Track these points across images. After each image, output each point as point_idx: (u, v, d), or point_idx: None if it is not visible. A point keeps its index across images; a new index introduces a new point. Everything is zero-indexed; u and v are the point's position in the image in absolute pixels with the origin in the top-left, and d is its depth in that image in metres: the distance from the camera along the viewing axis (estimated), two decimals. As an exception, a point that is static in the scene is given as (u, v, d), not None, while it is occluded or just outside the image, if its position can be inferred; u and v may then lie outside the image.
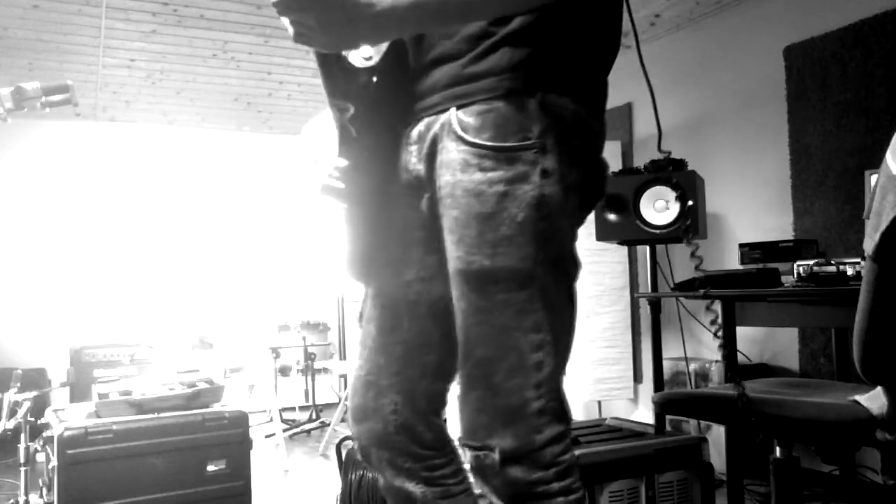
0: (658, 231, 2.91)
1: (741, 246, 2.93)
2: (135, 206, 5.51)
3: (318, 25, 0.95)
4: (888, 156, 0.97)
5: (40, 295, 5.15)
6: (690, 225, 2.84)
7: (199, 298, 5.58)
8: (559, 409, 1.04)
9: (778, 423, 1.49)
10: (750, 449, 2.45)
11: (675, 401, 1.80)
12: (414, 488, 1.20)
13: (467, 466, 1.10)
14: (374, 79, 1.12)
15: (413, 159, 1.15)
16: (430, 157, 1.11)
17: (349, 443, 2.31)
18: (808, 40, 3.27)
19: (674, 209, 2.89)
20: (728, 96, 3.69)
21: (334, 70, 1.08)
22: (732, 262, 3.43)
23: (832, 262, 2.09)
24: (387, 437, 1.20)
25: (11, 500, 2.53)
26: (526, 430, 1.01)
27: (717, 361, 3.41)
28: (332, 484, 3.32)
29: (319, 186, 1.14)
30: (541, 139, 1.02)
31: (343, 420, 4.45)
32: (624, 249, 3.97)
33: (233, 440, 2.55)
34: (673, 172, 2.90)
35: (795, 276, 2.18)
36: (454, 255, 1.05)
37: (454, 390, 1.15)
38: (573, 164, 1.05)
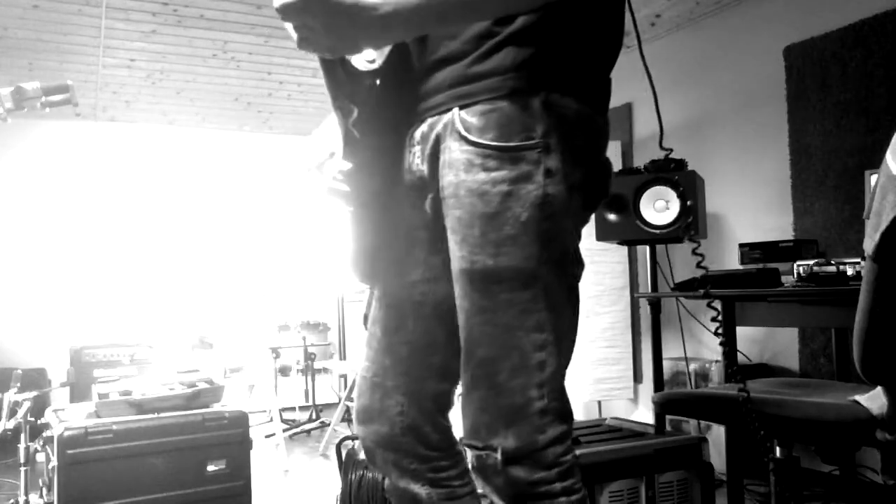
0: (658, 231, 2.91)
1: (741, 246, 2.93)
2: (135, 207, 5.51)
3: (322, 29, 0.95)
4: (888, 156, 0.97)
5: (40, 295, 5.16)
6: (691, 225, 2.84)
7: (199, 298, 5.58)
8: (561, 409, 1.04)
9: (778, 423, 1.49)
10: (750, 449, 2.44)
11: (675, 401, 1.80)
12: (419, 489, 1.20)
13: (470, 466, 1.10)
14: (378, 81, 1.12)
15: (416, 160, 1.15)
16: (434, 157, 1.11)
17: (349, 443, 2.31)
18: (808, 40, 3.27)
19: (674, 209, 2.89)
20: (728, 96, 3.69)
21: (338, 73, 1.08)
22: (732, 262, 3.43)
23: (832, 262, 2.09)
24: (393, 439, 1.20)
25: (11, 500, 2.53)
26: (529, 430, 1.01)
27: (717, 361, 3.41)
28: (332, 484, 3.32)
29: (324, 189, 1.15)
30: (544, 139, 1.02)
31: (343, 420, 4.45)
32: (624, 249, 3.97)
33: (233, 440, 2.55)
34: (673, 172, 2.90)
35: (795, 276, 2.17)
36: (457, 254, 1.05)
37: (460, 391, 1.15)
38: (577, 164, 1.05)
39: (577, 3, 1.05)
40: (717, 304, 2.40)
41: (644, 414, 4.11)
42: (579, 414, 4.37)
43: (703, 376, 3.40)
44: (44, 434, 2.51)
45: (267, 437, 4.53)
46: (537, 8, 1.02)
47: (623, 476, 2.04)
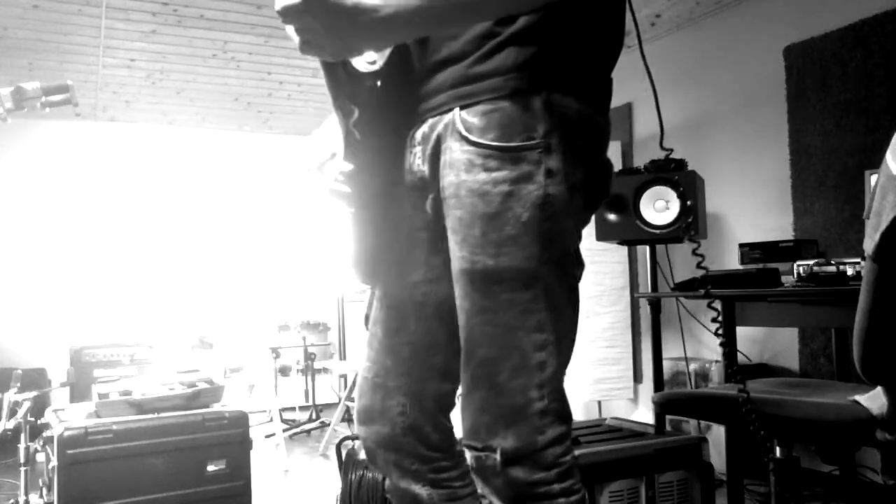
0: (658, 231, 2.91)
1: (741, 246, 2.93)
2: (135, 207, 5.51)
3: (323, 31, 0.95)
4: (888, 156, 0.97)
5: (40, 295, 5.16)
6: (691, 225, 2.84)
7: (199, 298, 5.58)
8: (561, 409, 1.04)
9: (778, 423, 1.49)
10: (750, 449, 2.45)
11: (675, 401, 1.80)
12: (420, 490, 1.20)
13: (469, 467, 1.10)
14: (379, 83, 1.12)
15: (417, 160, 1.15)
16: (434, 157, 1.11)
17: (349, 443, 2.31)
18: (808, 40, 3.27)
19: (674, 209, 2.89)
20: (728, 96, 3.69)
21: (339, 74, 1.08)
22: (732, 262, 3.43)
23: (832, 262, 2.09)
24: (394, 439, 1.20)
25: (11, 500, 2.53)
26: (528, 430, 1.01)
27: (717, 361, 3.41)
28: (332, 484, 3.32)
29: (326, 190, 1.14)
30: (545, 139, 1.02)
31: (343, 420, 4.45)
32: (624, 249, 3.97)
33: (233, 440, 2.55)
34: (673, 172, 2.90)
35: (795, 276, 2.17)
36: (458, 254, 1.05)
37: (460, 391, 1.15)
38: (578, 164, 1.05)
39: (577, 4, 1.05)
40: (718, 305, 2.40)
41: (644, 414, 4.11)
42: (579, 414, 4.37)
43: (703, 376, 3.40)
44: (44, 434, 2.51)
45: (267, 437, 4.53)
46: (538, 8, 1.02)
47: (623, 476, 2.04)
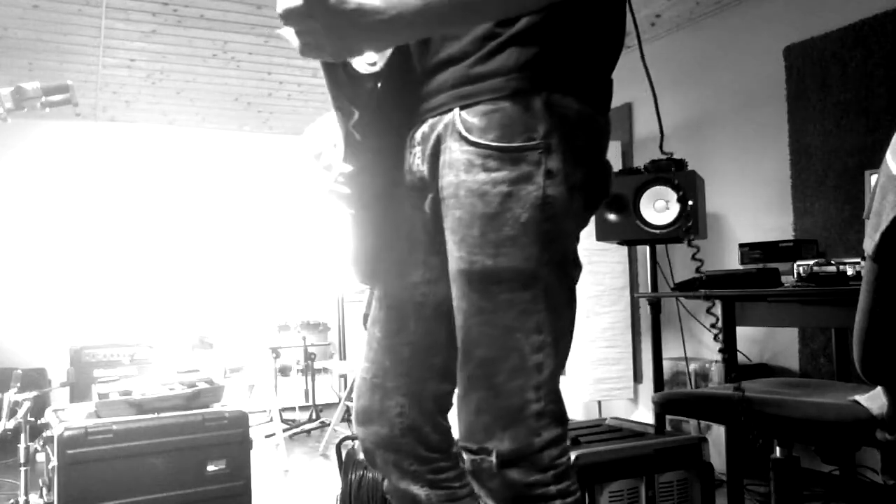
0: (658, 231, 2.91)
1: (741, 246, 2.93)
2: (135, 207, 5.51)
3: (324, 32, 0.95)
4: (888, 156, 0.97)
5: (40, 295, 5.16)
6: (690, 229, 2.84)
7: (199, 298, 5.58)
8: (557, 411, 1.03)
9: (778, 423, 1.49)
10: (750, 449, 2.45)
11: (675, 401, 1.80)
12: (419, 491, 1.20)
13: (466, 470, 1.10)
14: (379, 84, 1.12)
15: (417, 160, 1.14)
16: (434, 157, 1.10)
17: (349, 443, 2.31)
18: (808, 40, 3.27)
19: (674, 209, 2.89)
20: (728, 96, 3.69)
21: (339, 76, 1.07)
22: (732, 262, 3.43)
23: (832, 262, 2.09)
24: (392, 440, 1.20)
25: (11, 500, 2.53)
26: (525, 432, 1.00)
27: (716, 361, 3.41)
28: (332, 484, 3.32)
29: (326, 191, 1.14)
30: (545, 139, 1.01)
31: (343, 420, 4.45)
32: (624, 249, 3.97)
33: (233, 440, 2.55)
34: (673, 172, 2.90)
35: (795, 276, 2.17)
36: (456, 255, 1.05)
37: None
38: (578, 164, 1.05)
39: (578, 5, 1.05)
40: (717, 311, 2.40)
41: (644, 414, 4.11)
42: (579, 414, 4.37)
43: (703, 376, 3.40)
44: (44, 434, 2.51)
45: (267, 437, 4.53)
46: (539, 9, 1.02)
47: (623, 476, 2.04)
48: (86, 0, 3.43)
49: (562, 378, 1.07)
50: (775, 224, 3.40)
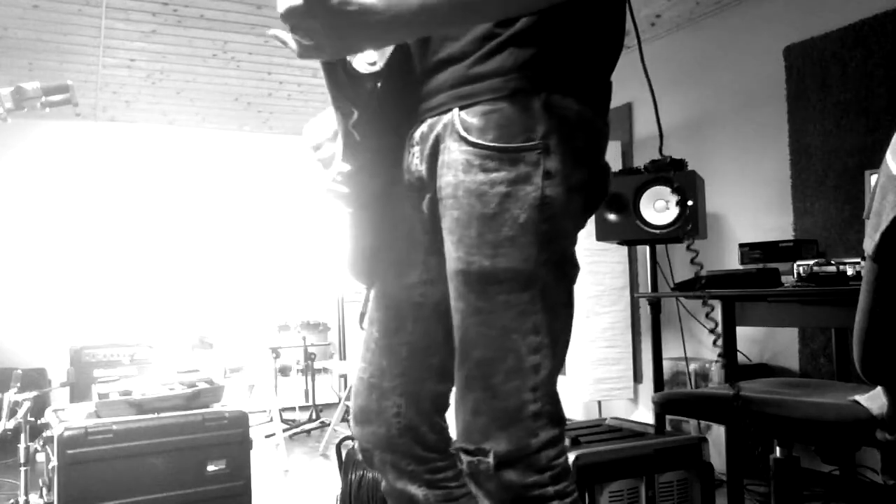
0: (658, 231, 2.91)
1: (741, 246, 2.93)
2: (135, 206, 5.51)
3: (324, 31, 0.95)
4: (888, 156, 0.97)
5: (40, 295, 5.16)
6: (690, 231, 2.84)
7: (199, 298, 5.58)
8: (554, 412, 1.03)
9: (778, 423, 1.49)
10: (748, 451, 2.45)
11: (674, 401, 1.80)
12: (416, 491, 1.20)
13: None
14: (379, 84, 1.11)
15: (415, 160, 1.14)
16: (432, 157, 1.10)
17: (349, 443, 2.31)
18: (808, 40, 3.27)
19: (674, 209, 2.89)
20: (728, 96, 3.69)
21: (339, 76, 1.07)
22: (732, 262, 3.43)
23: (832, 262, 2.09)
24: (390, 440, 1.20)
25: (11, 500, 2.53)
26: (522, 433, 1.00)
27: (717, 361, 3.41)
28: (332, 484, 3.32)
29: (324, 190, 1.14)
30: (544, 140, 1.01)
31: (343, 420, 4.45)
32: (624, 249, 3.97)
33: (233, 440, 2.55)
34: (673, 172, 2.90)
35: (795, 276, 2.17)
36: (453, 255, 1.05)
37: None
38: (576, 165, 1.04)
39: (578, 6, 1.05)
40: (716, 315, 2.40)
41: (644, 414, 4.11)
42: (579, 414, 4.37)
43: (703, 376, 3.40)
44: (44, 434, 2.51)
45: (267, 437, 4.54)
46: (539, 10, 1.02)
47: (623, 476, 2.04)
48: (86, 0, 3.43)
49: (562, 378, 1.07)
50: (775, 224, 3.40)
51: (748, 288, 2.28)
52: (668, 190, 2.90)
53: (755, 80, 3.53)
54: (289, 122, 5.70)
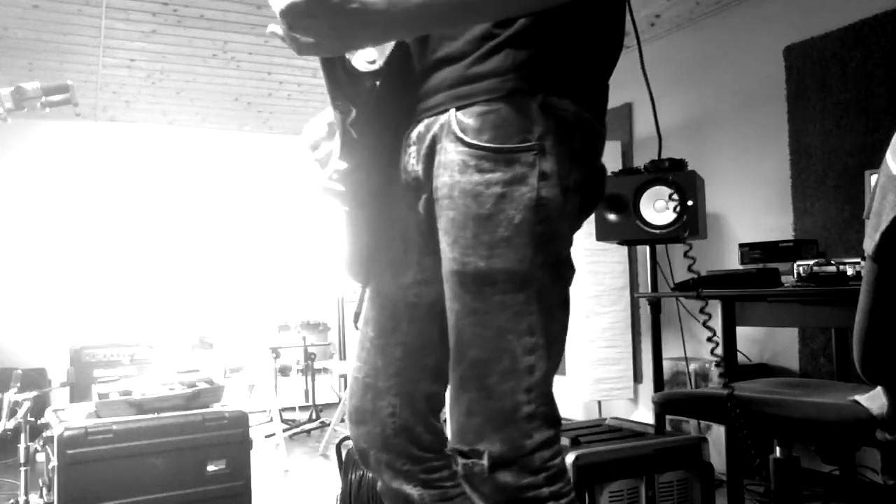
0: (658, 231, 2.91)
1: (741, 246, 2.93)
2: (135, 207, 5.51)
3: (323, 29, 0.95)
4: (888, 156, 0.97)
5: (40, 295, 5.16)
6: (690, 227, 2.84)
7: (199, 298, 5.58)
8: (549, 413, 1.03)
9: (778, 423, 1.49)
10: (743, 450, 2.45)
11: (674, 401, 1.80)
12: (412, 490, 1.20)
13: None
14: (378, 82, 1.11)
15: (412, 160, 1.14)
16: (429, 157, 1.10)
17: (349, 443, 2.31)
18: (808, 40, 3.27)
19: (674, 209, 2.89)
20: (728, 96, 3.69)
21: (338, 74, 1.07)
22: (732, 262, 3.43)
23: (832, 262, 2.09)
24: (385, 440, 1.20)
25: (11, 500, 2.53)
26: (516, 434, 1.00)
27: (714, 363, 3.41)
28: (332, 484, 3.32)
29: (320, 188, 1.14)
30: (540, 141, 1.01)
31: (343, 420, 4.45)
32: (624, 249, 3.97)
33: (233, 440, 2.55)
34: (673, 172, 2.90)
35: (795, 276, 2.17)
36: (448, 256, 1.05)
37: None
38: (573, 167, 1.04)
39: (578, 7, 1.05)
40: (714, 314, 2.40)
41: (644, 414, 4.11)
42: (579, 414, 4.37)
43: (703, 376, 3.40)
44: (44, 434, 2.51)
45: (267, 437, 4.54)
46: (539, 11, 1.01)
47: (623, 476, 2.04)
48: (86, 0, 3.43)
49: (562, 378, 1.07)
50: (775, 224, 3.40)
51: (748, 288, 2.28)
52: (667, 190, 2.90)
53: (755, 80, 3.53)
54: (289, 122, 5.70)
